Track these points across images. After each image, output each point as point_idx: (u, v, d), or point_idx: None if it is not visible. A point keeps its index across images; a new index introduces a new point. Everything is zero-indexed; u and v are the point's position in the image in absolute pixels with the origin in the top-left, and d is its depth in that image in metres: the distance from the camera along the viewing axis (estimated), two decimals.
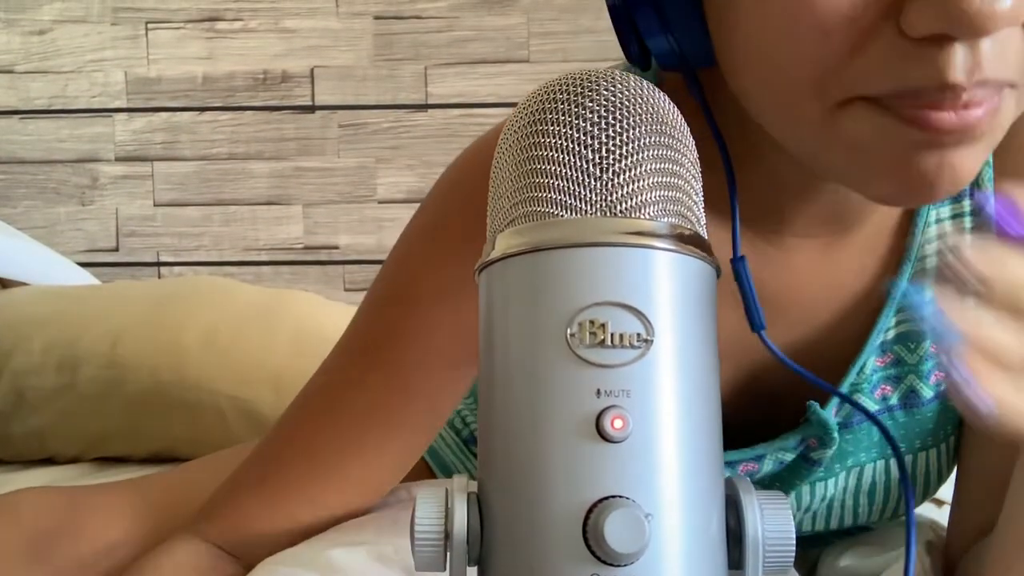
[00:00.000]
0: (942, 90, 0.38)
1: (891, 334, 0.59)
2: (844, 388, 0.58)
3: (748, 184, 0.51)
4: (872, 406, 0.59)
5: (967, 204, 0.57)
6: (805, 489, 0.63)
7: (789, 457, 0.60)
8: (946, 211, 0.57)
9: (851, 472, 0.63)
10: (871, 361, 0.59)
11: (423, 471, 0.78)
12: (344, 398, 0.60)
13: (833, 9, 0.38)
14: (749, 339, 0.49)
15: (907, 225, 0.57)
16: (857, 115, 0.41)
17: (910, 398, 0.60)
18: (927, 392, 0.60)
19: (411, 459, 0.62)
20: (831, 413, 0.58)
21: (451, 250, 0.56)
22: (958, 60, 0.37)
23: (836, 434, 0.58)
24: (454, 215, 0.57)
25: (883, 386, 0.60)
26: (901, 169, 0.41)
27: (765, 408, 0.59)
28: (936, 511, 0.76)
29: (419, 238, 0.59)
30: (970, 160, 0.40)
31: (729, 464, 0.59)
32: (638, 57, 0.48)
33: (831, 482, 0.63)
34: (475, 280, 0.33)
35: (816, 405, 0.58)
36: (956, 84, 0.37)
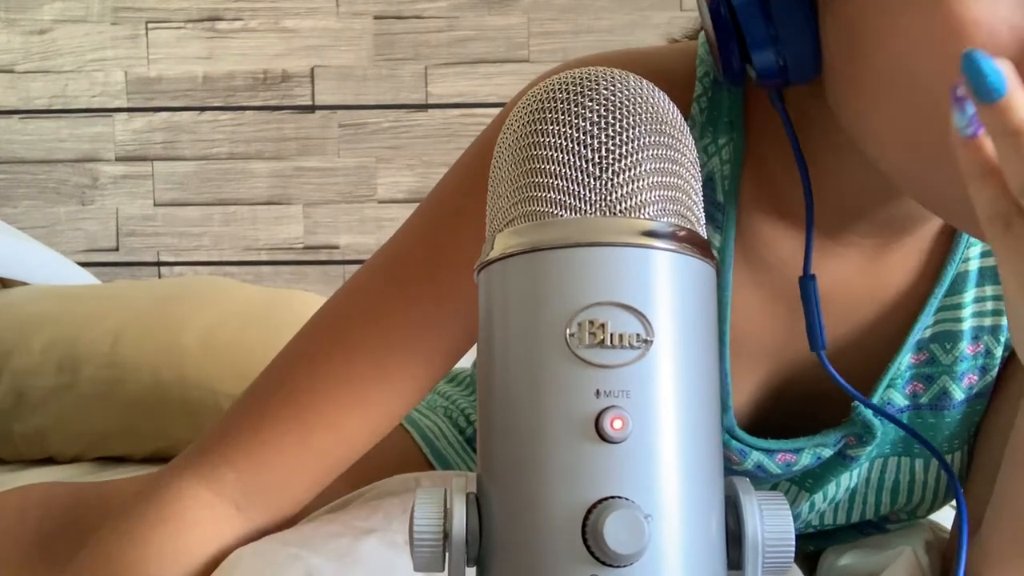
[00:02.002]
0: None
1: (928, 333, 0.59)
2: (881, 385, 0.59)
3: (818, 190, 0.50)
4: (902, 401, 0.60)
5: None
6: (832, 482, 0.63)
7: (827, 453, 0.60)
8: None
9: (874, 464, 0.63)
10: (907, 359, 0.59)
11: (425, 470, 0.78)
12: (382, 315, 0.57)
13: (993, 19, 0.37)
14: (796, 339, 0.49)
15: (952, 229, 0.57)
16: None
17: (941, 400, 0.60)
18: (958, 395, 0.60)
19: (428, 388, 0.60)
20: (871, 413, 0.59)
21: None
22: None
23: (879, 432, 0.58)
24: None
25: (915, 383, 0.60)
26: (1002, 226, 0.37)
27: (806, 404, 0.60)
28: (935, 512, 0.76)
29: (471, 160, 0.58)
30: None
31: (767, 452, 0.59)
32: (736, 72, 0.46)
33: (855, 473, 0.63)
34: (474, 277, 0.33)
35: (862, 407, 0.58)
36: None
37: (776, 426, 0.61)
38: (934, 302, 0.58)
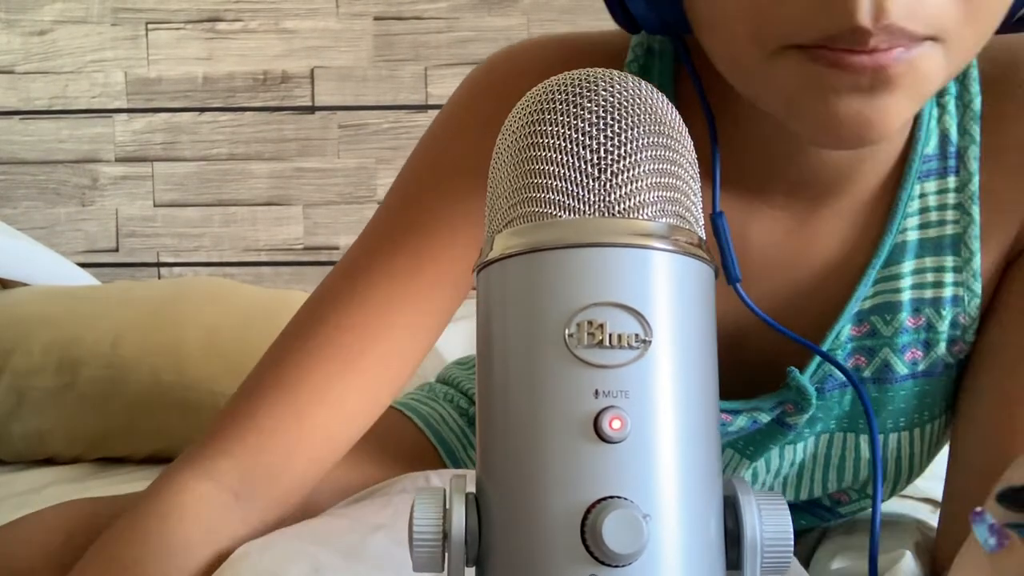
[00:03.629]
0: (852, 34, 0.41)
1: (868, 304, 0.60)
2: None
3: (733, 144, 0.54)
4: None
5: (952, 180, 0.58)
6: (775, 451, 0.64)
7: (764, 418, 0.61)
8: (931, 186, 0.59)
9: (820, 439, 0.64)
10: (846, 329, 0.60)
11: (431, 457, 0.78)
12: (361, 289, 0.58)
13: None
14: (730, 303, 0.50)
15: (891, 198, 0.59)
16: (788, 63, 0.44)
17: (883, 372, 0.61)
18: (901, 368, 0.61)
19: (422, 350, 0.61)
20: (808, 380, 0.60)
21: (480, 130, 0.55)
22: (863, 5, 0.40)
23: (814, 400, 0.60)
24: (479, 102, 0.59)
25: (857, 356, 0.61)
26: (825, 113, 0.44)
27: (746, 371, 0.60)
28: (930, 515, 0.76)
29: (446, 125, 0.61)
30: (889, 108, 0.43)
31: None
32: (625, 21, 0.51)
33: (800, 446, 0.64)
34: (473, 277, 0.33)
35: (796, 371, 0.59)
36: (861, 27, 0.40)
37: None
38: (871, 272, 0.59)
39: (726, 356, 0.59)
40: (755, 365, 0.60)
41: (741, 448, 0.65)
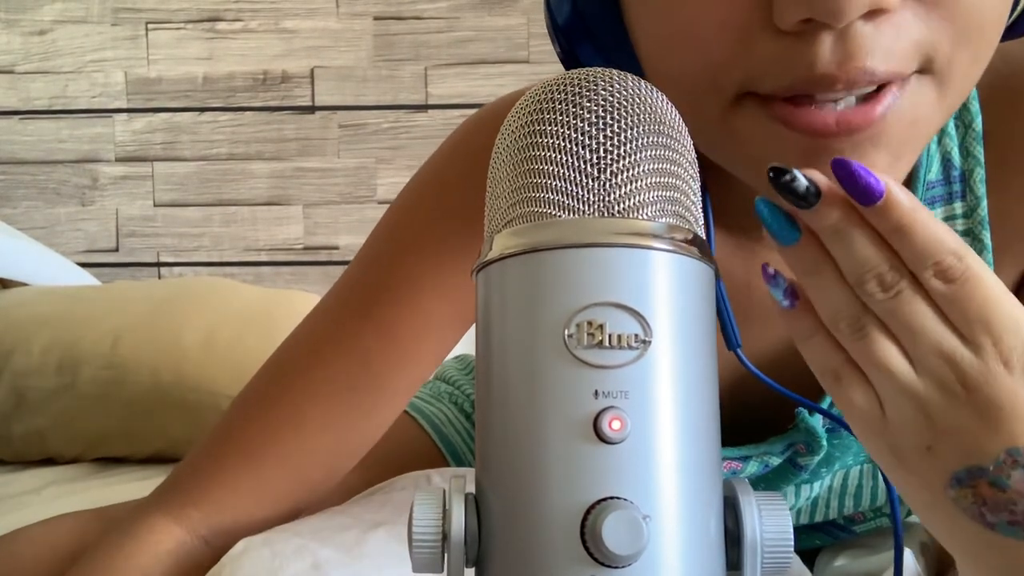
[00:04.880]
0: (815, 83, 0.37)
1: None
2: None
3: (731, 183, 0.50)
4: None
5: (959, 206, 0.56)
6: (790, 490, 0.63)
7: (775, 461, 0.60)
8: (937, 214, 0.56)
9: (836, 476, 0.63)
10: None
11: (434, 456, 0.78)
12: (325, 356, 0.59)
13: (705, 17, 0.39)
14: (744, 348, 0.49)
15: None
16: (748, 114, 0.41)
17: None
18: None
19: (391, 420, 0.62)
20: (819, 421, 0.58)
21: (454, 208, 0.56)
22: (824, 49, 0.36)
23: (824, 442, 0.58)
24: (456, 175, 0.57)
25: None
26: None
27: (755, 412, 0.59)
28: None
29: (422, 193, 0.60)
30: (876, 167, 0.37)
31: None
32: None
33: (816, 484, 0.63)
34: (472, 278, 0.33)
35: (804, 413, 0.57)
36: (825, 75, 0.37)
37: (724, 433, 0.60)
38: None
39: (734, 401, 0.59)
40: (764, 408, 0.58)
41: (752, 484, 0.63)
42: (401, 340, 0.57)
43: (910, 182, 0.55)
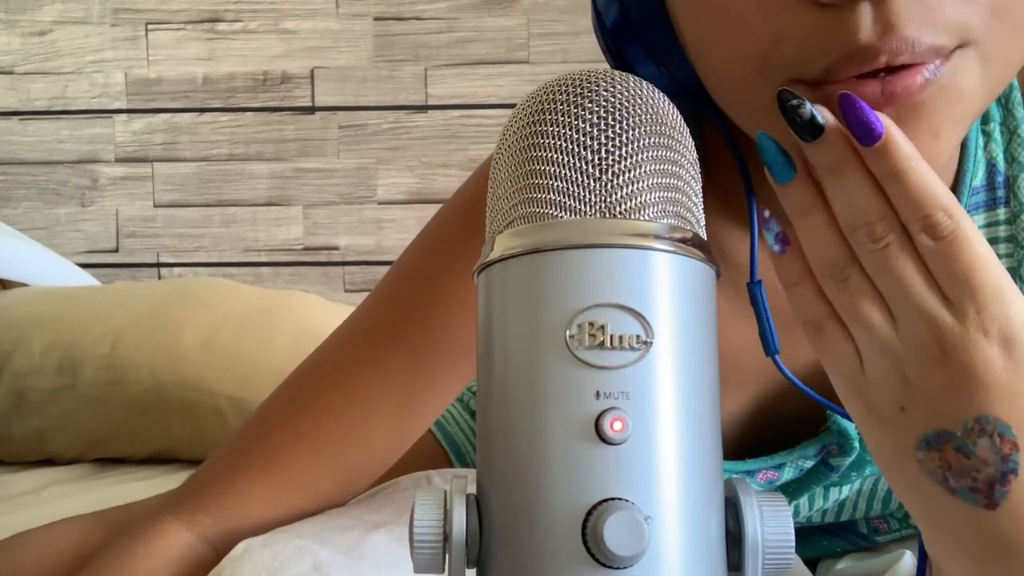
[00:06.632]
0: (856, 56, 0.36)
1: None
2: None
3: (771, 192, 0.50)
4: None
5: (1002, 212, 0.55)
6: (819, 491, 0.62)
7: (809, 464, 0.60)
8: (979, 219, 0.55)
9: (867, 480, 0.62)
10: None
11: (437, 454, 0.78)
12: (350, 376, 0.58)
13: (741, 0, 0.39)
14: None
15: None
16: None
17: None
18: None
19: (402, 443, 0.61)
20: (851, 422, 0.57)
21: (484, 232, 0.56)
22: (864, 20, 0.36)
23: (856, 443, 0.58)
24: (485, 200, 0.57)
25: None
26: None
27: (786, 419, 0.59)
28: None
29: (452, 219, 0.59)
30: (920, 139, 0.37)
31: (749, 473, 0.59)
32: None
33: (846, 488, 0.63)
34: (473, 279, 0.33)
35: (837, 416, 0.57)
36: (866, 45, 0.36)
37: (757, 442, 0.60)
38: None
39: (770, 409, 0.59)
40: (798, 415, 0.58)
41: (782, 486, 0.63)
42: (430, 366, 0.57)
43: (956, 188, 0.54)
